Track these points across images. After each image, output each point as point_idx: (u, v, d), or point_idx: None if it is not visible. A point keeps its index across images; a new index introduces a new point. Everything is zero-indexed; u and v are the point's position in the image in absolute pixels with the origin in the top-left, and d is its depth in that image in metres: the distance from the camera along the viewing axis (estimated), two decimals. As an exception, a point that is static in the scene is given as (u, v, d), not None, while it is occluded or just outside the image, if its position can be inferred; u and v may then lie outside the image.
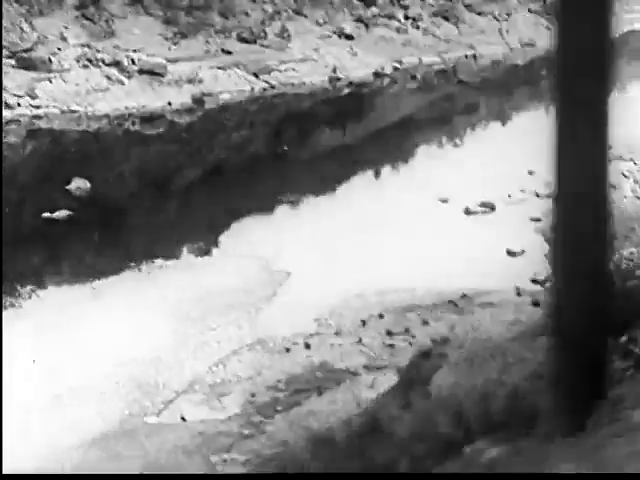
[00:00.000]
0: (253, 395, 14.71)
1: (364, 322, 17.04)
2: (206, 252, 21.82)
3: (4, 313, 17.50)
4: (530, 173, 28.75)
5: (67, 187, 26.23)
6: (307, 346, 16.25)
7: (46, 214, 23.75)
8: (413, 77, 52.45)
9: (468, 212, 25.37)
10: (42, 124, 36.25)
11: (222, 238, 23.26)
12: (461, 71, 54.80)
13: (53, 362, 15.34)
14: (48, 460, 12.95)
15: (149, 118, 38.71)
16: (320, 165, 32.56)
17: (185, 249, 22.37)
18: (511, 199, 26.55)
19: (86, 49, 42.21)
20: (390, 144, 35.21)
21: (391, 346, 16.05)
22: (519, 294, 18.60)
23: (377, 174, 30.69)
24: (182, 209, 26.46)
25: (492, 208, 25.68)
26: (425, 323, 16.91)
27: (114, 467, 12.83)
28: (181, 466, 12.73)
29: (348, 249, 21.70)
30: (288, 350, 16.20)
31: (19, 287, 19.15)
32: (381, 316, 17.52)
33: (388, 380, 14.24)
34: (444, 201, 26.24)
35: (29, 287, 19.09)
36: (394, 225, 23.78)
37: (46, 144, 35.22)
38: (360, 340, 16.41)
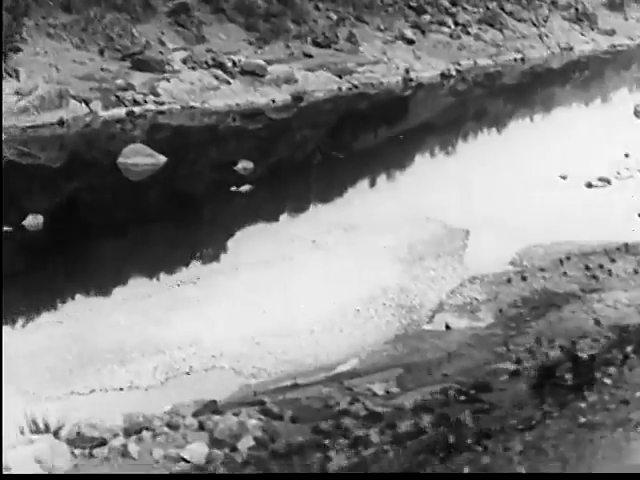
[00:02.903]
0: (500, 310, 18.51)
1: (561, 261, 20.84)
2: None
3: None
4: (626, 155, 32.92)
5: (235, 167, 29.97)
6: (524, 278, 20.06)
7: (233, 188, 27.44)
8: (463, 79, 56.31)
9: (589, 185, 29.33)
10: (161, 119, 39.74)
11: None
12: (507, 73, 58.68)
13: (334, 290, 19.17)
14: (364, 352, 16.75)
15: (249, 115, 42.22)
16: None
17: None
18: (621, 175, 30.51)
19: (189, 52, 45.98)
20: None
21: (594, 277, 19.86)
22: (675, 241, 22.45)
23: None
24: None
25: (608, 182, 29.66)
26: (612, 261, 20.73)
27: (418, 357, 16.59)
28: (473, 354, 16.47)
29: (507, 211, 25.59)
30: (509, 281, 20.01)
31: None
32: (568, 258, 21.32)
33: (612, 296, 18.16)
34: (564, 177, 30.19)
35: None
36: (531, 195, 27.68)
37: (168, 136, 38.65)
38: (565, 273, 20.24)
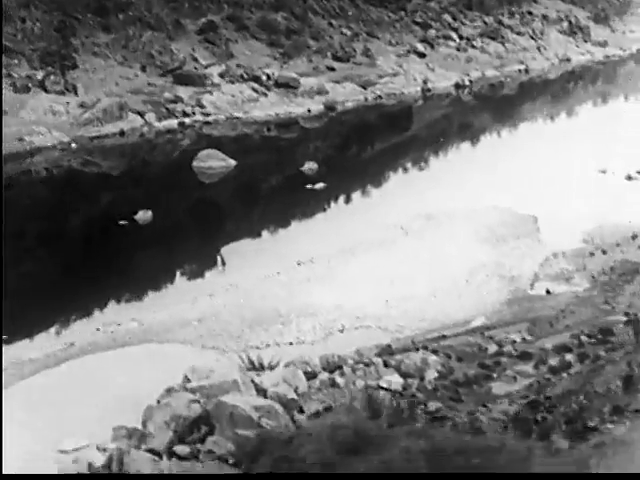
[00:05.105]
0: (593, 277, 21.04)
1: (634, 237, 23.46)
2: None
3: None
4: (654, 152, 35.83)
5: (301, 168, 32.46)
6: (604, 252, 22.62)
7: (309, 186, 29.91)
8: (470, 92, 59.20)
9: (629, 178, 32.09)
10: (207, 129, 42.03)
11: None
12: (509, 84, 61.69)
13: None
14: (488, 312, 19.21)
15: (285, 124, 44.66)
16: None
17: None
18: (655, 169, 33.36)
19: (223, 67, 48.43)
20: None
21: (667, 248, 22.52)
22: None
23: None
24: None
25: (646, 175, 32.51)
26: (676, 237, 23.41)
27: (536, 314, 19.00)
28: (582, 311, 18.92)
29: (563, 200, 28.21)
30: (592, 254, 22.58)
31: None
32: (636, 235, 23.93)
33: (689, 261, 20.77)
34: (603, 172, 32.94)
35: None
36: (580, 186, 30.36)
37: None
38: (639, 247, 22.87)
